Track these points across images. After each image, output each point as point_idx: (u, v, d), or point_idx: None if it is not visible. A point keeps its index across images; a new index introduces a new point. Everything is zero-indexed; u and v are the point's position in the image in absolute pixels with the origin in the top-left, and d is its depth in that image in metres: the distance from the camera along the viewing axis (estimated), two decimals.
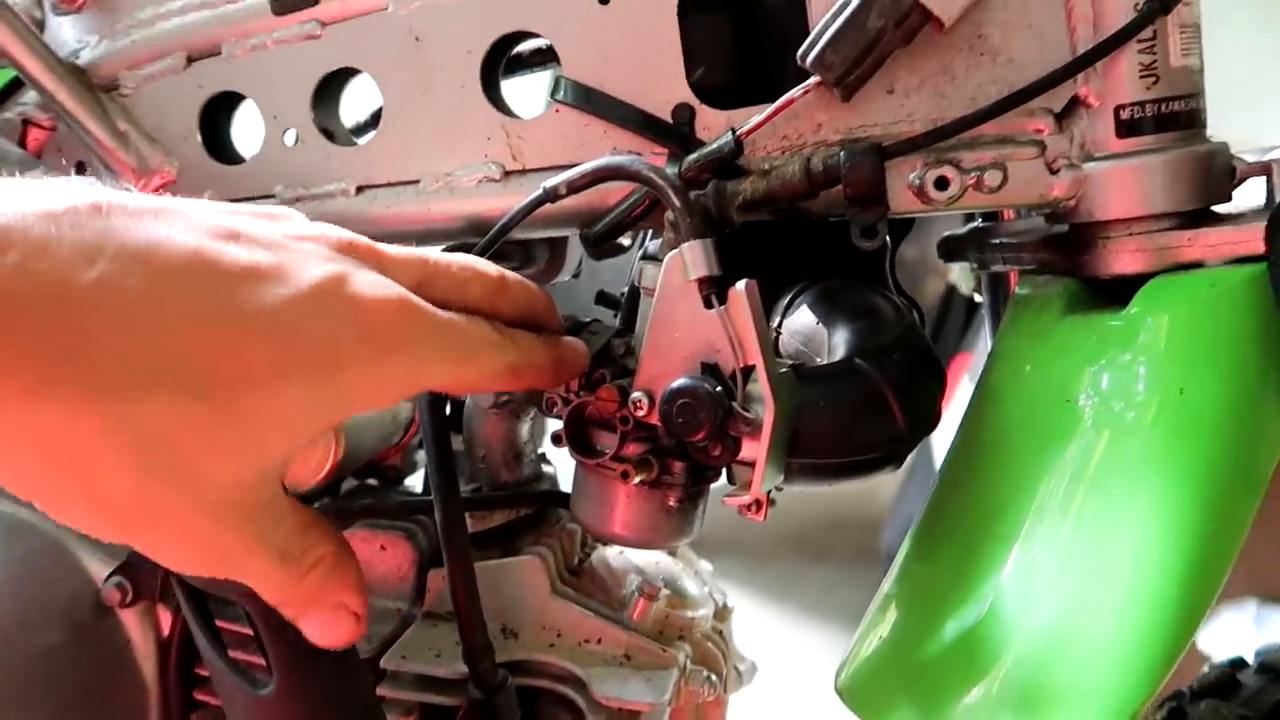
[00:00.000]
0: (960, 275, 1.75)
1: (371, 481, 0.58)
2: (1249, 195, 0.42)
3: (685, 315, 0.39)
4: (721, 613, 0.51)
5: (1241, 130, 0.51)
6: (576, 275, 0.56)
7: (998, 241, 0.49)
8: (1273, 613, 1.35)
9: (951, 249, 0.52)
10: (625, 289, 0.52)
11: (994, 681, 0.36)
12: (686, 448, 0.39)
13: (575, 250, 0.54)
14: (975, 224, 0.52)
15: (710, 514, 0.44)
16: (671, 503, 0.42)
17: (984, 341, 0.57)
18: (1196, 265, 0.39)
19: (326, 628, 0.32)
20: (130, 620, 0.46)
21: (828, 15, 0.39)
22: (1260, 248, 0.37)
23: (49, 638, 0.45)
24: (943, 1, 0.37)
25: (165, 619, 0.46)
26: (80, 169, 0.52)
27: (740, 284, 0.38)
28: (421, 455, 0.59)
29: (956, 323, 1.76)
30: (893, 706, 0.38)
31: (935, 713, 0.37)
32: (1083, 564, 0.36)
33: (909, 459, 0.44)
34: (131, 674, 0.46)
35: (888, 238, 0.43)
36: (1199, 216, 0.40)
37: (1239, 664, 0.52)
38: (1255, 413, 0.37)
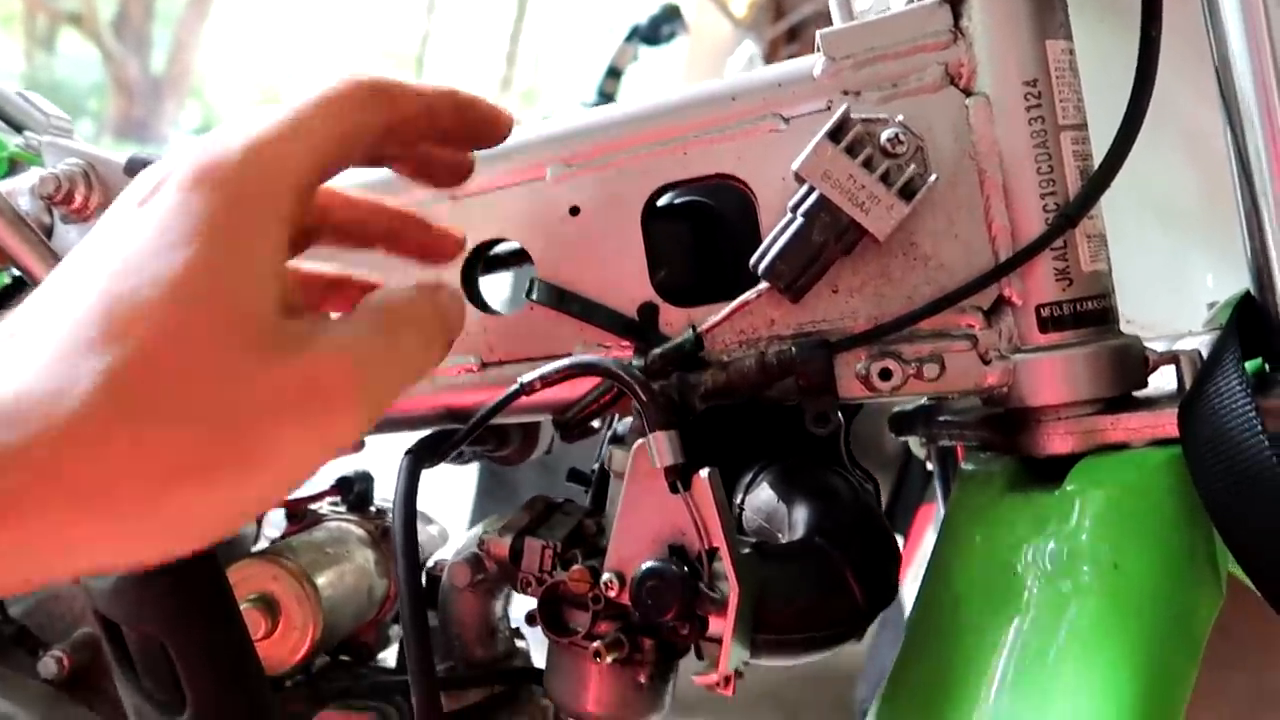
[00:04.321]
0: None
1: (345, 658, 0.58)
2: (1164, 379, 0.46)
3: (652, 500, 0.41)
4: None
5: (1161, 315, 0.56)
6: (548, 452, 0.59)
7: (943, 419, 0.52)
8: None
9: (901, 424, 0.56)
10: (595, 467, 0.54)
11: None
12: (656, 626, 0.41)
13: (547, 432, 0.57)
14: (922, 402, 0.56)
15: (685, 672, 0.45)
16: (642, 679, 0.43)
17: None
18: (1122, 446, 0.42)
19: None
20: None
21: (776, 229, 0.43)
22: (1175, 431, 0.41)
23: None
24: (877, 221, 0.41)
25: None
26: None
27: (704, 471, 0.41)
28: (394, 630, 0.60)
29: (919, 474, 1.79)
30: None
31: None
32: None
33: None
34: None
35: (840, 415, 0.47)
36: (1120, 402, 0.43)
37: None
38: (1186, 585, 0.40)
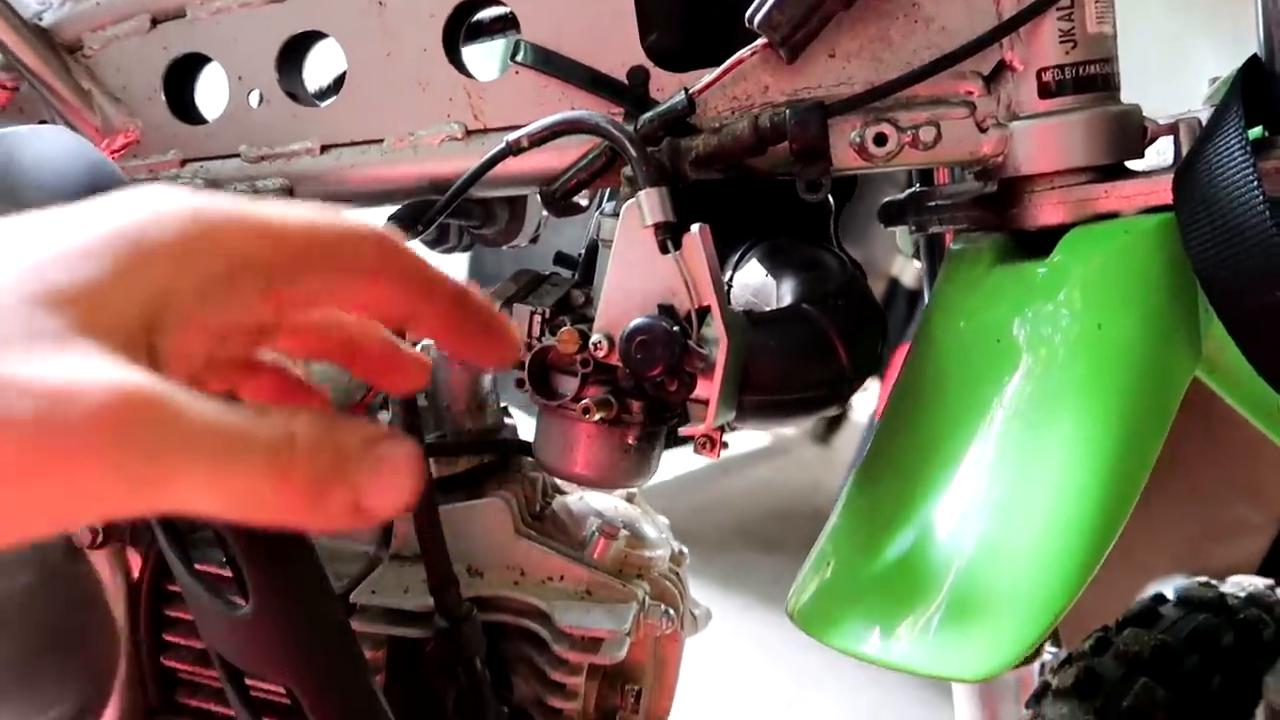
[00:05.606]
0: (902, 269, 1.80)
1: None
2: (1158, 156, 0.45)
3: (642, 260, 0.41)
4: (677, 558, 0.54)
5: (1159, 103, 0.55)
6: (534, 240, 0.58)
7: (934, 204, 0.52)
8: None
9: (891, 213, 0.55)
10: (583, 249, 0.54)
11: (932, 596, 0.39)
12: (645, 386, 0.42)
13: (534, 214, 0.56)
14: (913, 189, 0.55)
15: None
16: (630, 441, 0.44)
17: None
18: (1113, 215, 0.42)
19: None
20: (101, 562, 0.47)
21: None
22: (1169, 198, 0.41)
23: (20, 579, 0.45)
24: None
25: (135, 562, 0.47)
26: None
27: (694, 228, 0.40)
28: (382, 415, 0.60)
29: (899, 315, 1.81)
30: (841, 625, 0.41)
31: (880, 628, 0.40)
32: (1011, 483, 0.39)
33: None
34: (103, 615, 0.47)
35: (831, 200, 0.46)
36: (1114, 171, 0.43)
37: (1159, 599, 0.56)
38: (1165, 346, 0.41)
